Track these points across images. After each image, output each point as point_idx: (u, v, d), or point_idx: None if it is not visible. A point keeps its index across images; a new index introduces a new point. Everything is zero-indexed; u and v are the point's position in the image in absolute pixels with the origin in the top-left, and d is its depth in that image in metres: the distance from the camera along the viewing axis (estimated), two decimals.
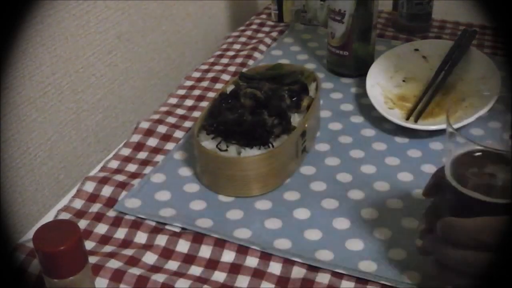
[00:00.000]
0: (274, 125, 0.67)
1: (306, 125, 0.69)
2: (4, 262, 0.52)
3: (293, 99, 0.71)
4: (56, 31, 0.75)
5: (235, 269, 0.57)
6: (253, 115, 0.68)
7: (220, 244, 0.59)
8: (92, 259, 0.56)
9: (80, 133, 0.84)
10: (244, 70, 0.84)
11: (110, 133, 0.90)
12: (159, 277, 0.55)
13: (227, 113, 0.68)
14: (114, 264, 0.56)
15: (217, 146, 0.66)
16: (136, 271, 0.55)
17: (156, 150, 0.74)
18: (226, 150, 0.65)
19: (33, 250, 0.55)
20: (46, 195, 0.78)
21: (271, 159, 0.65)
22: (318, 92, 0.74)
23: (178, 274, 0.56)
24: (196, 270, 0.57)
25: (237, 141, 0.66)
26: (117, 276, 0.55)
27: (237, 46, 0.99)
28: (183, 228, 0.62)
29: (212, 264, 0.58)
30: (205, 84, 0.88)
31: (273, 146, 0.66)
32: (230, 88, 0.75)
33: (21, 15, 0.68)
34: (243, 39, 1.02)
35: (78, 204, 0.65)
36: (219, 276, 0.56)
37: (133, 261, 0.57)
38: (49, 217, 0.65)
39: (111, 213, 0.64)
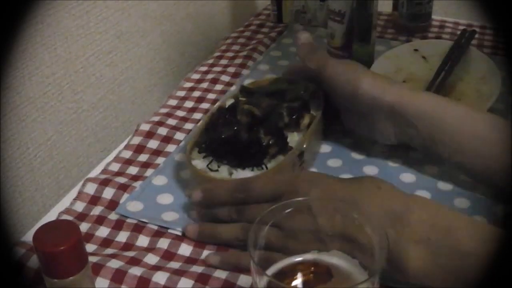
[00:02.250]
0: (269, 144, 0.64)
1: (304, 146, 0.66)
2: (4, 262, 0.52)
3: (293, 117, 0.67)
4: (56, 31, 0.75)
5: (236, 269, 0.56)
6: (249, 133, 0.65)
7: (222, 248, 0.59)
8: (93, 261, 0.56)
9: (80, 133, 0.83)
10: (246, 83, 0.80)
11: (110, 133, 0.90)
12: (160, 279, 0.55)
13: (223, 129, 0.65)
14: (114, 264, 0.56)
15: (207, 166, 0.63)
16: (137, 271, 0.55)
17: (157, 152, 0.74)
18: (217, 170, 0.63)
19: (32, 246, 0.55)
20: (46, 195, 0.78)
21: None
22: (321, 110, 0.69)
23: (179, 272, 0.56)
24: (197, 269, 0.57)
25: (229, 162, 0.63)
26: (117, 276, 0.55)
27: (236, 47, 0.99)
28: None
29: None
30: (204, 85, 0.88)
31: (266, 167, 0.62)
32: (229, 102, 0.71)
33: (21, 15, 0.68)
34: (242, 40, 1.02)
35: (80, 206, 0.65)
36: (221, 274, 0.56)
37: (134, 262, 0.57)
38: (49, 218, 0.65)
39: (113, 216, 0.64)
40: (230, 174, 0.63)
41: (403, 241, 0.48)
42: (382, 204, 0.50)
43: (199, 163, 0.64)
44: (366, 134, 0.71)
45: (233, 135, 0.64)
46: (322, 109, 0.70)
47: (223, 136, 0.64)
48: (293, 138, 0.66)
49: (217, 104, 0.72)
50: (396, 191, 0.53)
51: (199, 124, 0.69)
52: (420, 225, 0.49)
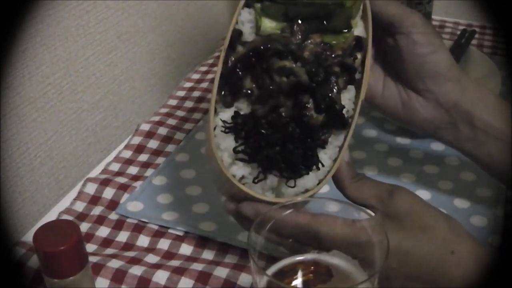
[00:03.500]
0: (323, 126, 0.49)
1: (358, 111, 0.51)
2: (4, 262, 0.52)
3: (345, 76, 0.50)
4: (56, 31, 0.75)
5: (238, 268, 0.56)
6: (293, 108, 0.48)
7: (224, 248, 0.59)
8: (93, 261, 0.56)
9: (80, 133, 0.83)
10: None
11: (110, 133, 0.90)
12: (160, 278, 0.55)
13: (247, 82, 0.48)
14: (115, 264, 0.56)
15: (254, 181, 0.48)
16: (137, 271, 0.55)
17: (157, 152, 0.74)
18: (264, 179, 0.48)
19: (32, 246, 0.55)
20: (46, 195, 0.78)
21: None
22: (370, 25, 0.53)
23: (179, 271, 0.56)
24: (197, 267, 0.57)
25: (279, 173, 0.48)
26: (117, 276, 0.55)
27: None
28: (186, 232, 0.62)
29: (215, 264, 0.57)
30: (204, 85, 0.88)
31: (323, 165, 0.49)
32: (245, 16, 0.52)
33: (21, 15, 0.68)
34: None
35: (80, 206, 0.65)
36: (221, 273, 0.56)
37: (134, 262, 0.57)
38: (49, 218, 0.65)
39: (113, 216, 0.64)
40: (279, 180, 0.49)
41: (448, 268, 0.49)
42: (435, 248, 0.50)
43: (237, 169, 0.49)
44: (395, 109, 0.61)
45: (272, 108, 0.48)
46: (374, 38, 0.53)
47: (259, 112, 0.48)
48: (344, 97, 0.51)
49: (230, 28, 0.52)
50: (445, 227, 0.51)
51: (214, 76, 0.52)
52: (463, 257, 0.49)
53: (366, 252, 0.46)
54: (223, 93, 0.50)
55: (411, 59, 0.57)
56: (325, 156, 0.50)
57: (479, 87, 0.60)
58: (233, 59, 0.51)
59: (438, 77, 0.58)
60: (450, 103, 0.58)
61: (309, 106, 0.49)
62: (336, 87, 0.49)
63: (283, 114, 0.48)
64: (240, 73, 0.50)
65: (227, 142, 0.49)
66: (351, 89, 0.51)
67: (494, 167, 0.60)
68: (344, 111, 0.50)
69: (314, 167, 0.48)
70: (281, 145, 0.48)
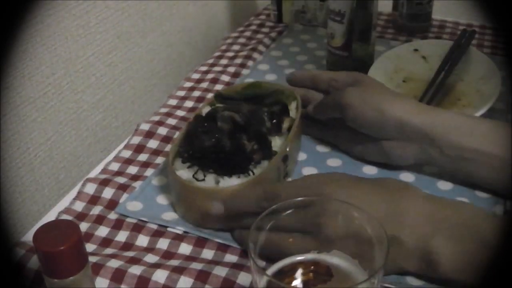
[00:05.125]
0: (253, 150, 0.63)
1: (287, 149, 0.65)
2: (4, 262, 0.52)
3: (274, 122, 0.67)
4: (56, 31, 0.75)
5: (237, 267, 0.56)
6: (231, 140, 0.64)
7: (223, 248, 0.59)
8: (93, 261, 0.56)
9: (80, 133, 0.84)
10: (221, 89, 0.77)
11: (110, 133, 0.90)
12: (160, 277, 0.55)
13: (204, 137, 0.64)
14: (114, 263, 0.56)
15: (193, 176, 0.61)
16: (136, 270, 0.55)
17: (157, 152, 0.74)
18: (203, 180, 0.61)
19: (32, 246, 0.55)
20: (46, 195, 0.78)
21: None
22: (299, 113, 0.69)
23: (179, 270, 0.56)
24: (197, 266, 0.57)
25: (215, 170, 0.62)
26: (117, 275, 0.55)
27: (236, 47, 0.99)
28: (185, 231, 0.62)
29: (214, 263, 0.57)
30: (204, 85, 0.88)
31: (253, 173, 0.62)
32: (206, 109, 0.71)
33: (21, 15, 0.68)
34: (242, 40, 1.02)
35: (79, 206, 0.65)
36: (221, 271, 0.55)
37: (133, 262, 0.57)
38: (49, 218, 0.65)
39: (112, 216, 0.64)
40: (217, 182, 0.61)
41: (436, 239, 0.51)
42: (421, 209, 0.53)
43: (184, 173, 0.62)
44: (375, 158, 0.69)
45: (215, 143, 0.63)
46: (300, 113, 0.69)
47: (206, 145, 0.63)
48: (275, 143, 0.66)
49: (195, 113, 0.70)
50: (427, 195, 0.55)
51: (178, 134, 0.66)
52: (452, 225, 0.52)
53: (366, 252, 0.47)
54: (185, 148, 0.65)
55: (357, 126, 0.67)
56: (256, 169, 0.62)
57: (438, 110, 0.65)
58: (195, 120, 0.67)
59: (385, 114, 0.64)
60: (416, 134, 0.63)
61: (243, 138, 0.64)
62: (264, 126, 0.66)
63: (223, 143, 0.63)
64: (198, 128, 0.65)
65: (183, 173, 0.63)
66: (280, 137, 0.67)
67: (482, 184, 0.64)
68: (275, 148, 0.65)
69: (247, 174, 0.61)
70: (215, 152, 0.63)
